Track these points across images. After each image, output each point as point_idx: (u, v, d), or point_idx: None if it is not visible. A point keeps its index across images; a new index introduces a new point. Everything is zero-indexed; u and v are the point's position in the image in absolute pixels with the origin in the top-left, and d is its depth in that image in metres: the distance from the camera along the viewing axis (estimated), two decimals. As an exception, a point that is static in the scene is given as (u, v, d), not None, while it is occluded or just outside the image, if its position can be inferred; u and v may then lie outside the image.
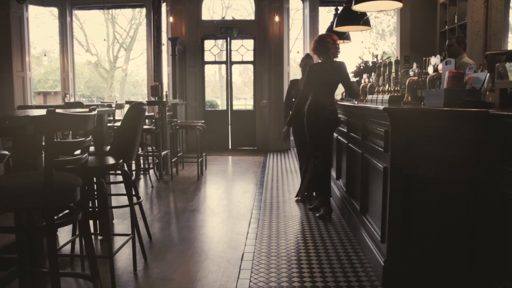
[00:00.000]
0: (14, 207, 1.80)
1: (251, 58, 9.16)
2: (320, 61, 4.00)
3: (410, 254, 2.32)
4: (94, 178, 2.63)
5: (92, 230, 3.16)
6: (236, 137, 9.24)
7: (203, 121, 6.72)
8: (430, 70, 2.93)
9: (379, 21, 17.87)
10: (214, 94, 18.45)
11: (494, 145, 2.04)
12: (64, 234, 3.29)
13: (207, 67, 9.43)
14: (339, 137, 4.22)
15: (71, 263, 2.74)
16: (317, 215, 3.84)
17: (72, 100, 8.96)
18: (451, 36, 4.89)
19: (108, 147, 2.91)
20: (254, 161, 7.37)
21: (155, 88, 6.22)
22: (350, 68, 6.24)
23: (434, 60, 2.90)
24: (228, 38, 9.00)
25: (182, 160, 6.72)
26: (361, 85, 4.54)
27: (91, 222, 3.20)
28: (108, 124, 4.38)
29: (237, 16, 10.79)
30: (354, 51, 22.28)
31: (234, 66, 9.67)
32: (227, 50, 9.11)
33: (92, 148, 2.87)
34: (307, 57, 4.49)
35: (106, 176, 3.19)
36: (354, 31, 6.10)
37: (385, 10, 5.05)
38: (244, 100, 17.28)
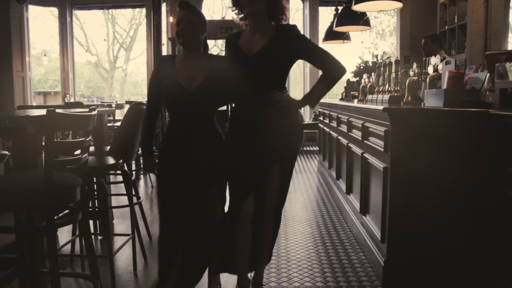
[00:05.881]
0: (14, 207, 1.80)
1: (251, 58, 9.14)
2: (248, 28, 2.10)
3: (410, 254, 2.32)
4: (94, 178, 2.63)
5: (92, 230, 3.16)
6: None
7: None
8: (430, 70, 2.93)
9: (379, 21, 17.87)
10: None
11: (494, 145, 2.04)
12: (64, 234, 3.29)
13: (207, 67, 9.41)
14: (339, 137, 4.22)
15: (71, 263, 2.74)
16: None
17: (72, 100, 8.97)
18: (426, 35, 4.88)
19: (108, 147, 2.91)
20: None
21: (155, 88, 6.21)
22: (350, 68, 6.23)
23: (434, 60, 2.90)
24: (228, 38, 8.99)
25: (182, 160, 6.70)
26: (361, 85, 4.54)
27: (91, 222, 3.20)
28: (108, 124, 4.39)
29: (237, 16, 10.77)
30: (354, 51, 22.28)
31: (234, 66, 9.65)
32: (227, 50, 9.10)
33: (92, 148, 2.87)
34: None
35: (106, 176, 3.19)
36: (354, 31, 6.10)
37: (385, 10, 5.05)
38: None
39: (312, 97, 2.15)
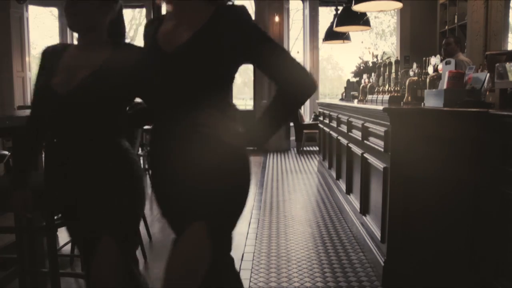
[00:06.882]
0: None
1: (251, 58, 9.14)
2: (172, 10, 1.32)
3: (410, 254, 2.32)
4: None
5: (92, 230, 3.15)
6: (236, 137, 9.20)
7: (203, 121, 6.69)
8: (430, 70, 2.93)
9: (379, 21, 17.85)
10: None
11: (494, 145, 2.04)
12: (64, 234, 3.28)
13: (207, 67, 9.40)
14: (339, 137, 4.22)
15: (71, 263, 2.74)
16: None
17: (72, 100, 8.96)
18: (449, 35, 4.90)
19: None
20: (254, 161, 7.37)
21: (155, 88, 6.19)
22: (350, 68, 6.22)
23: (434, 60, 2.90)
24: (228, 38, 8.98)
25: (182, 160, 6.71)
26: (361, 85, 4.54)
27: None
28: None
29: (237, 16, 10.76)
30: (354, 51, 22.28)
31: (234, 66, 9.65)
32: (227, 50, 9.09)
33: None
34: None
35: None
36: (354, 31, 6.11)
37: (385, 10, 5.05)
38: (243, 100, 17.25)
39: (262, 129, 1.32)
